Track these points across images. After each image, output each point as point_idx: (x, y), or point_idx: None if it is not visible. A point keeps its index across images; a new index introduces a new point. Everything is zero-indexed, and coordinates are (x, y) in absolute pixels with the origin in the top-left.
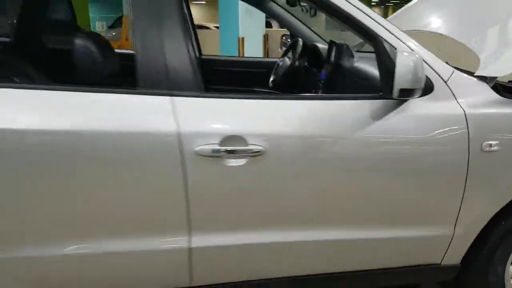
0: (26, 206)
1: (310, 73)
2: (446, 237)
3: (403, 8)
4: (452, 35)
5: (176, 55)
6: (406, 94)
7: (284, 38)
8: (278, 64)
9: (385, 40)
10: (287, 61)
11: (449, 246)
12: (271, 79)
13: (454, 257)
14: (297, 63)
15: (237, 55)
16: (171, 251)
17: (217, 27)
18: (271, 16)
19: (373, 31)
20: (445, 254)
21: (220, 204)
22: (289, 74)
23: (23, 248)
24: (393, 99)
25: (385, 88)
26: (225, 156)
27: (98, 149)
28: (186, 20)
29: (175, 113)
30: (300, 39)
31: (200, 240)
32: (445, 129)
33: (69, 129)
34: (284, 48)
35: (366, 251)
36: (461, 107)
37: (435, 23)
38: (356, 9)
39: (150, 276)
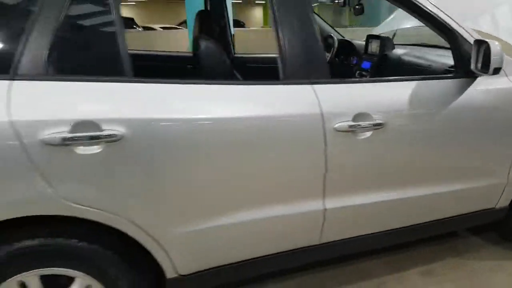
0: (227, 183)
1: (346, 64)
2: (501, 185)
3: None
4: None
5: (312, 50)
6: (496, 71)
7: None
8: None
9: (459, 33)
10: None
11: (502, 192)
12: None
13: (505, 200)
14: (334, 56)
15: None
16: (309, 213)
17: (163, 28)
18: None
19: (451, 27)
20: (499, 199)
21: (350, 170)
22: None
23: (223, 217)
24: (470, 77)
25: (461, 69)
26: (357, 130)
27: (265, 132)
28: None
29: (318, 97)
30: (334, 36)
31: (332, 202)
32: (504, 99)
33: (250, 115)
34: None
35: (449, 201)
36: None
37: None
38: (439, 9)
39: (291, 236)
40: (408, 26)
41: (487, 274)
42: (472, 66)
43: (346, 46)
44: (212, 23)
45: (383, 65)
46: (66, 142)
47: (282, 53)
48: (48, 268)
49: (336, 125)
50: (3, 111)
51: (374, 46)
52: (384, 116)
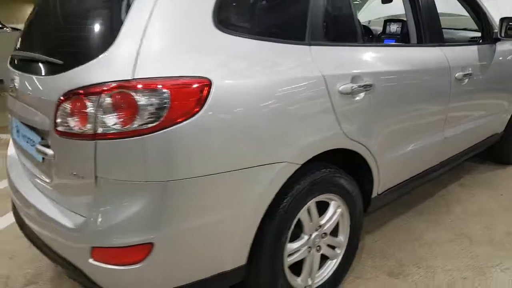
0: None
1: None
2: (506, 115)
3: None
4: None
5: (438, 20)
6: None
7: None
8: None
9: (488, 16)
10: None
11: (503, 121)
12: None
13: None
14: None
15: None
16: (436, 141)
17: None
18: None
19: (482, 9)
20: (502, 125)
21: (458, 108)
22: None
23: (408, 145)
24: (494, 43)
25: (489, 38)
26: (463, 79)
27: (426, 81)
28: None
29: (445, 55)
30: None
31: (448, 132)
32: (509, 55)
33: (420, 68)
34: None
35: (488, 127)
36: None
37: None
38: (481, 2)
39: (430, 158)
40: (379, 17)
41: (496, 179)
42: (499, 35)
43: (365, 29)
44: None
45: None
46: (351, 91)
47: (419, 23)
48: (322, 195)
49: (456, 75)
50: (315, 68)
51: (394, 27)
52: (472, 68)
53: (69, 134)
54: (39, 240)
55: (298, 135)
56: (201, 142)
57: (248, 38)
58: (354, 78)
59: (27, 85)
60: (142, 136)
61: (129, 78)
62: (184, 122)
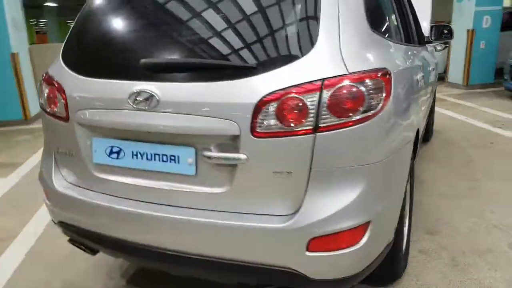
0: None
1: None
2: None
3: None
4: None
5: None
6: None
7: None
8: None
9: (421, 24)
10: None
11: None
12: None
13: None
14: None
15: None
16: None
17: None
18: None
19: (417, 17)
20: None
21: (426, 96)
22: None
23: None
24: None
25: (423, 42)
26: (430, 72)
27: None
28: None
29: (422, 54)
30: None
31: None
32: (432, 54)
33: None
34: None
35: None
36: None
37: None
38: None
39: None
40: None
41: (428, 152)
42: (431, 38)
43: None
44: None
45: None
46: (421, 79)
47: (407, 26)
48: None
49: (429, 69)
50: (410, 61)
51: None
52: (429, 64)
53: (277, 133)
54: (194, 260)
55: (416, 115)
56: (392, 123)
57: (382, 37)
58: (418, 70)
59: (190, 94)
60: (364, 123)
61: (346, 73)
62: (386, 107)
